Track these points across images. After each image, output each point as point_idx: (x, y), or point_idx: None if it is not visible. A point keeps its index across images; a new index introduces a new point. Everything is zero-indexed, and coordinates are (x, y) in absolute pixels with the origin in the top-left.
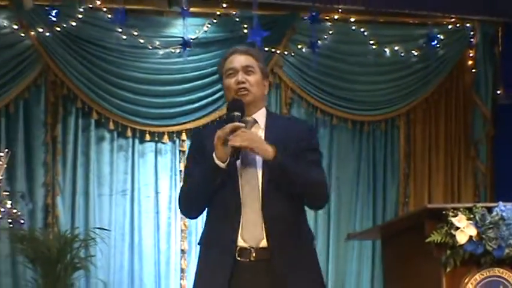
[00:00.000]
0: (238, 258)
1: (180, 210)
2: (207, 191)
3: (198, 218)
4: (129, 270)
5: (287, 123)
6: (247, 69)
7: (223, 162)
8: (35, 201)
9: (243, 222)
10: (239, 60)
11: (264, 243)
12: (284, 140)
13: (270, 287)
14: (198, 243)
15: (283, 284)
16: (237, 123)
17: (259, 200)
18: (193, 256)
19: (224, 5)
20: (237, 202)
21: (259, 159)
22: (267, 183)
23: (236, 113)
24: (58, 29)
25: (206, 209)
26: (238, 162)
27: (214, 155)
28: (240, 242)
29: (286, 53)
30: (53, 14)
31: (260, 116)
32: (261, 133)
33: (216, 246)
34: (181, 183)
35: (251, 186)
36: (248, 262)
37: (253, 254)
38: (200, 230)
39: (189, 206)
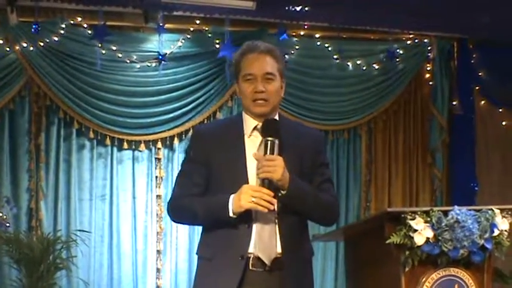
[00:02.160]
0: (251, 268)
1: (170, 217)
2: (205, 224)
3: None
4: (108, 270)
5: (301, 133)
6: (267, 77)
7: (235, 214)
8: (20, 205)
9: (255, 234)
10: (260, 64)
11: (278, 254)
12: (300, 152)
13: None
14: (196, 254)
15: None
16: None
17: (275, 212)
18: (168, 257)
19: (197, 22)
20: (248, 214)
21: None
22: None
23: (270, 139)
24: (41, 43)
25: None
26: (253, 172)
27: (231, 206)
28: (252, 253)
29: None
30: (37, 29)
31: None
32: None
33: (225, 257)
34: (175, 187)
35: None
36: (260, 272)
37: (267, 264)
38: (175, 232)
39: (182, 220)
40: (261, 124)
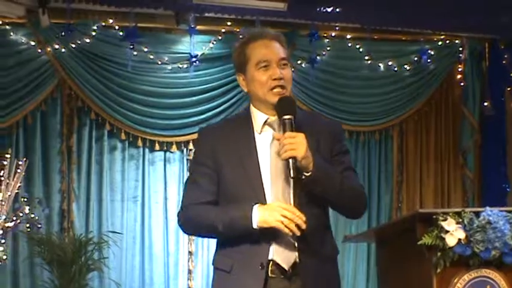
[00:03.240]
0: (270, 275)
1: (182, 230)
2: (224, 236)
3: None
4: (140, 271)
5: (317, 122)
6: (283, 62)
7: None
8: (52, 206)
9: (274, 240)
10: (273, 50)
11: (296, 259)
12: (316, 142)
13: None
14: (213, 265)
15: None
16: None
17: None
18: (200, 258)
19: (228, 23)
20: None
21: (286, 168)
22: (300, 198)
23: (288, 117)
24: (73, 45)
25: None
26: (267, 172)
27: (255, 218)
28: (272, 259)
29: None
30: (68, 31)
31: None
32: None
33: (244, 267)
34: (185, 196)
35: (283, 201)
36: (281, 279)
37: (287, 271)
38: None
39: (197, 233)
40: (272, 118)
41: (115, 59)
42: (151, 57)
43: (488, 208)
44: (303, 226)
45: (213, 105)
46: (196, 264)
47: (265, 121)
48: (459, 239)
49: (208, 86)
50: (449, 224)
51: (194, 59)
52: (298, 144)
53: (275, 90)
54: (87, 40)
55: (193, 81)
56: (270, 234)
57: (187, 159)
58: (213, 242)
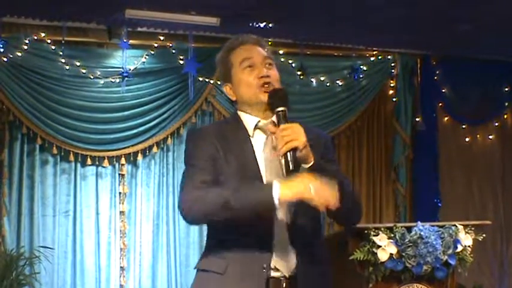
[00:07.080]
0: (272, 281)
1: (185, 214)
2: (237, 215)
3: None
4: (71, 287)
5: (307, 130)
6: (267, 62)
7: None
8: None
9: (274, 245)
10: (256, 51)
11: (297, 266)
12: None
13: None
14: (199, 269)
15: None
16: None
17: (287, 225)
18: (132, 273)
19: (161, 38)
20: (269, 224)
21: (283, 164)
22: (294, 207)
23: (281, 109)
24: (4, 59)
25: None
26: (263, 175)
27: (276, 190)
28: (273, 265)
29: (219, 82)
30: (0, 45)
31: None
32: None
33: (242, 269)
34: (186, 183)
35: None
36: (282, 285)
37: (287, 278)
38: (139, 248)
39: (205, 212)
40: (263, 121)
41: (47, 73)
42: (84, 71)
43: (420, 223)
44: (332, 203)
45: (145, 120)
46: (128, 280)
47: (256, 125)
48: (391, 254)
49: (140, 101)
50: (381, 239)
51: (126, 74)
52: (297, 134)
53: (265, 86)
54: (19, 54)
55: (126, 96)
56: (269, 238)
57: (119, 174)
58: (144, 258)
